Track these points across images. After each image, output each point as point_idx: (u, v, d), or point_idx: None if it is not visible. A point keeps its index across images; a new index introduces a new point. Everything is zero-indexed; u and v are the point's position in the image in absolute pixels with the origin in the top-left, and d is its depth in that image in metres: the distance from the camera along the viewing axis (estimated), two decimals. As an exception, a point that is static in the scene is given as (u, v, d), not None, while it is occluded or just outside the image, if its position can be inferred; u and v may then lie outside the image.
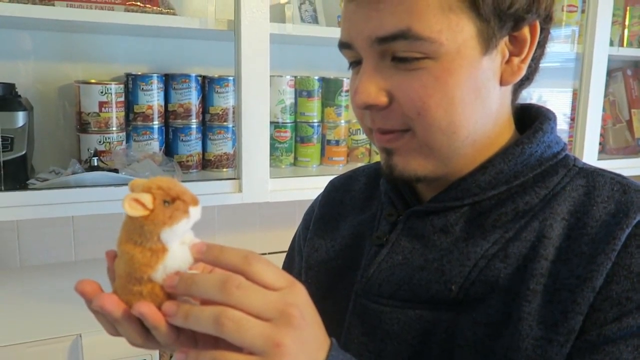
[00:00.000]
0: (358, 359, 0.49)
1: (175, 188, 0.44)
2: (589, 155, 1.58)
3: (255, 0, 1.13)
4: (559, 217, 0.54)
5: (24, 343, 0.89)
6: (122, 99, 1.23)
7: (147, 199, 0.42)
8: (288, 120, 1.39)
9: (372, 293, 0.60)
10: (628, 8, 1.75)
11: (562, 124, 1.67)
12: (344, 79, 1.41)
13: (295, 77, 1.40)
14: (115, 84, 1.21)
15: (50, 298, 1.08)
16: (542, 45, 0.58)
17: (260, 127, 1.19)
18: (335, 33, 1.27)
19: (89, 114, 1.19)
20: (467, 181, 0.58)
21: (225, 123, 1.31)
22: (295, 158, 1.44)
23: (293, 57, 1.47)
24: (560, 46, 1.57)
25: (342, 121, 1.44)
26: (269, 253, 1.57)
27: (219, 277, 0.42)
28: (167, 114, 1.29)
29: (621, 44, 1.74)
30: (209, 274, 0.44)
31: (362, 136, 1.49)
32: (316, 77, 1.40)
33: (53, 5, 1.06)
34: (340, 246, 0.69)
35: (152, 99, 1.25)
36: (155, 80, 1.25)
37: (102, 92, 1.19)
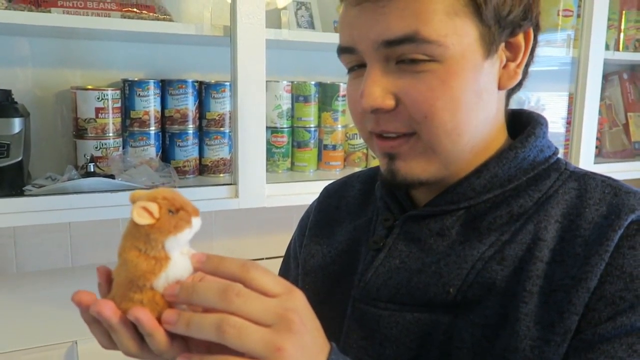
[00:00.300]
0: None
1: (179, 199, 0.46)
2: (586, 159, 1.59)
3: (251, 6, 1.13)
4: (553, 219, 0.55)
5: (20, 350, 0.89)
6: (119, 104, 1.23)
7: (154, 207, 0.44)
8: (285, 125, 1.39)
9: (370, 297, 0.60)
10: (624, 12, 1.75)
11: (558, 128, 1.67)
12: (341, 84, 1.42)
13: (292, 82, 1.40)
14: (112, 90, 1.21)
15: (47, 304, 1.07)
16: (532, 51, 0.60)
17: (257, 132, 1.19)
18: (332, 38, 1.27)
19: (85, 119, 1.20)
20: (463, 185, 0.59)
21: (222, 128, 1.31)
22: (292, 163, 1.44)
23: (290, 62, 1.47)
24: (556, 50, 1.58)
25: (339, 126, 1.45)
26: (266, 258, 1.57)
27: (219, 286, 0.43)
28: (164, 120, 1.30)
29: (617, 48, 1.74)
30: (209, 282, 0.44)
31: (359, 141, 1.49)
32: (313, 82, 1.40)
33: (50, 12, 1.07)
34: (336, 251, 0.70)
35: (149, 104, 1.25)
36: (151, 86, 1.25)
37: (98, 98, 1.19)
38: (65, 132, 1.28)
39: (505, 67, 0.58)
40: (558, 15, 1.60)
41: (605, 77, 1.82)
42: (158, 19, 1.16)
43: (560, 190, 0.57)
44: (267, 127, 1.31)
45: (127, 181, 1.13)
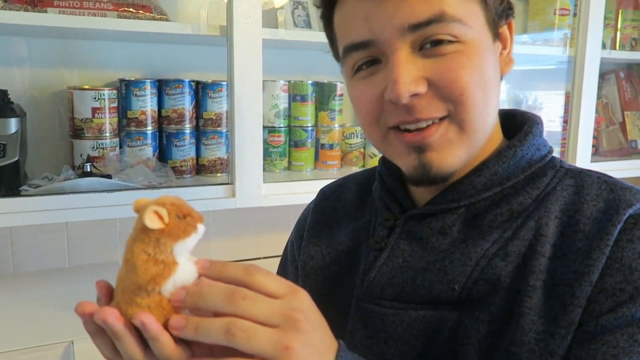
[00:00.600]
0: None
1: (185, 205, 0.47)
2: (583, 157, 1.59)
3: (247, 6, 1.13)
4: (553, 215, 0.56)
5: (16, 350, 0.89)
6: (116, 104, 1.23)
7: (165, 212, 0.45)
8: (282, 125, 1.39)
9: (374, 296, 0.61)
10: (620, 11, 1.76)
11: (555, 127, 1.67)
12: (338, 83, 1.42)
13: (289, 81, 1.40)
14: (109, 90, 1.21)
15: (44, 304, 1.07)
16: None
17: (254, 131, 1.19)
18: (328, 38, 1.27)
19: (82, 119, 1.19)
20: (463, 183, 0.60)
21: (218, 128, 1.31)
22: (290, 162, 1.44)
23: (287, 61, 1.47)
24: (553, 49, 1.58)
25: (336, 125, 1.45)
26: (264, 258, 1.57)
27: (225, 290, 0.44)
28: (161, 120, 1.29)
29: (613, 47, 1.75)
30: (215, 287, 0.45)
31: (356, 140, 1.49)
32: (310, 82, 1.40)
33: (46, 12, 1.06)
34: (336, 252, 0.70)
35: (146, 104, 1.25)
36: (148, 86, 1.25)
37: (95, 98, 1.19)
38: (62, 132, 1.28)
39: (500, 54, 0.61)
40: (555, 14, 1.61)
41: (602, 76, 1.83)
42: (154, 19, 1.15)
43: (557, 187, 0.59)
44: (264, 127, 1.30)
45: (124, 181, 1.13)
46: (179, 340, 0.45)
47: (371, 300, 0.61)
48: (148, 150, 1.27)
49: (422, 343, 0.57)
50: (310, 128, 1.42)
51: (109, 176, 1.14)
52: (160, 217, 0.44)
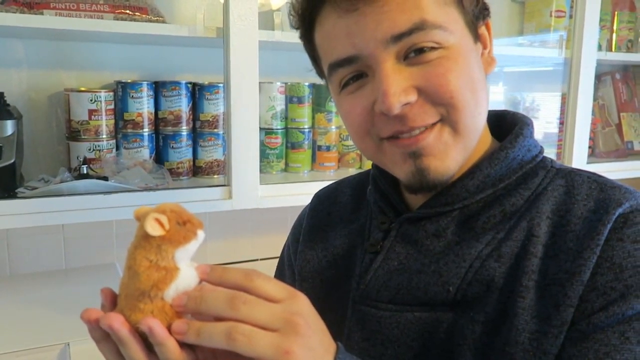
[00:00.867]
0: None
1: (185, 212, 0.48)
2: (579, 158, 1.59)
3: (243, 8, 1.14)
4: (544, 215, 0.57)
5: (12, 352, 0.89)
6: (112, 106, 1.23)
7: (165, 219, 0.46)
8: (279, 127, 1.39)
9: (370, 299, 0.62)
10: (616, 13, 1.76)
11: (551, 128, 1.68)
12: (334, 85, 1.42)
13: (286, 83, 1.40)
14: (105, 92, 1.21)
15: (40, 306, 1.07)
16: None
17: (250, 133, 1.19)
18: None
19: (78, 122, 1.19)
20: (457, 186, 0.61)
21: (215, 130, 1.32)
22: (286, 164, 1.44)
23: (283, 63, 1.47)
24: (549, 51, 1.59)
25: (333, 127, 1.45)
26: (261, 259, 1.57)
27: (226, 295, 0.45)
28: (157, 121, 1.30)
29: (609, 49, 1.75)
30: (217, 292, 0.46)
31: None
32: (306, 84, 1.40)
33: (42, 14, 1.07)
34: (332, 256, 0.71)
35: (142, 106, 1.25)
36: (145, 88, 1.25)
37: (91, 100, 1.19)
38: (59, 134, 1.28)
39: (481, 55, 0.61)
40: (551, 15, 1.61)
41: (598, 78, 1.83)
42: (151, 21, 1.16)
43: (549, 187, 0.59)
44: (260, 129, 1.31)
45: (121, 183, 1.13)
46: (183, 345, 0.45)
47: (368, 303, 0.62)
48: (145, 152, 1.27)
49: (418, 344, 0.58)
50: (307, 130, 1.42)
51: (105, 178, 1.14)
52: (161, 224, 0.45)
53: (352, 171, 1.44)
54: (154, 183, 1.18)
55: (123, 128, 1.25)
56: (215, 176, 1.33)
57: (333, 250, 0.71)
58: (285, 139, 1.42)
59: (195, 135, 1.32)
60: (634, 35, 1.80)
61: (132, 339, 0.45)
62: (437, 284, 0.57)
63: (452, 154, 0.57)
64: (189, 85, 1.30)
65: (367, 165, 1.50)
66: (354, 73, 0.58)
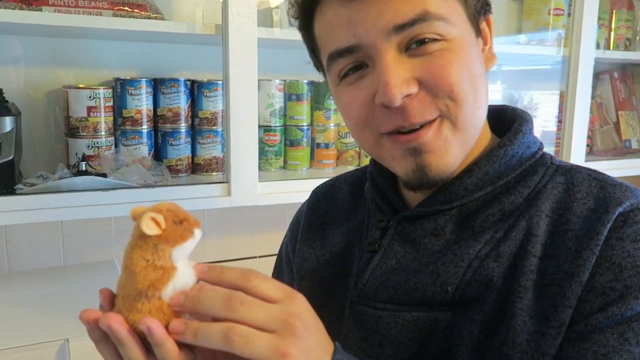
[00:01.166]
0: None
1: (181, 211, 0.48)
2: (577, 157, 1.60)
3: (242, 5, 1.14)
4: (543, 214, 0.56)
5: (11, 348, 0.89)
6: (111, 103, 1.23)
7: (161, 218, 0.46)
8: (277, 124, 1.39)
9: (368, 298, 0.61)
10: (614, 11, 1.77)
11: (550, 127, 1.68)
12: (333, 83, 1.42)
13: (285, 80, 1.40)
14: (104, 89, 1.21)
15: (39, 303, 1.07)
16: None
17: (249, 130, 1.19)
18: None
19: (77, 118, 1.19)
20: (455, 184, 0.60)
21: (214, 127, 1.32)
22: (285, 161, 1.45)
23: (282, 60, 1.47)
24: (547, 49, 1.59)
25: (332, 124, 1.45)
26: (259, 257, 1.57)
27: (223, 295, 0.45)
28: (156, 119, 1.30)
29: (607, 47, 1.76)
30: (214, 291, 0.45)
31: (352, 139, 1.49)
32: (305, 81, 1.40)
33: (41, 10, 1.06)
34: (330, 254, 0.70)
35: (141, 103, 1.25)
36: (143, 85, 1.25)
37: (90, 97, 1.19)
38: (57, 131, 1.28)
39: (482, 50, 0.61)
40: (549, 14, 1.62)
41: (596, 76, 1.84)
42: (150, 18, 1.16)
43: (548, 185, 0.59)
44: (259, 126, 1.31)
45: (120, 180, 1.14)
46: (182, 345, 0.45)
47: (365, 303, 0.61)
48: (143, 149, 1.27)
49: (416, 344, 0.57)
50: (305, 127, 1.43)
51: (104, 175, 1.14)
52: (157, 224, 0.45)
53: (351, 169, 1.45)
54: (152, 180, 1.18)
55: (122, 125, 1.25)
56: (214, 173, 1.33)
57: (331, 248, 0.70)
58: (283, 137, 1.42)
59: (194, 133, 1.33)
60: (632, 33, 1.80)
61: (131, 339, 0.45)
62: (435, 284, 0.57)
63: (452, 150, 0.57)
64: (188, 82, 1.30)
65: (366, 162, 1.50)
66: (354, 64, 0.57)
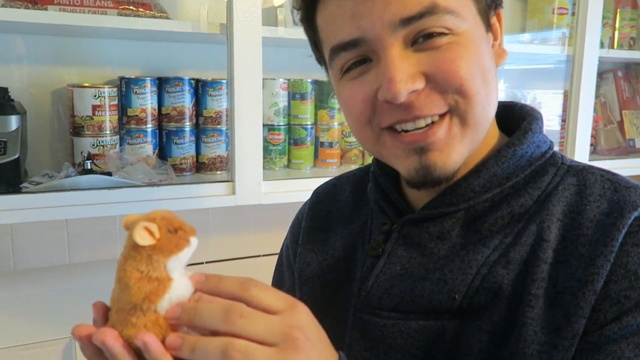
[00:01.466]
0: None
1: (176, 219, 0.45)
2: (581, 156, 1.60)
3: (247, 4, 1.14)
4: (555, 218, 0.54)
5: (18, 346, 0.89)
6: (116, 102, 1.24)
7: (155, 228, 0.43)
8: (281, 123, 1.40)
9: (372, 307, 0.59)
10: (618, 10, 1.76)
11: (554, 126, 1.68)
12: (337, 82, 1.42)
13: (289, 79, 1.40)
14: (109, 88, 1.21)
15: (44, 301, 1.08)
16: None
17: (254, 129, 1.20)
18: (328, 36, 1.27)
19: (82, 117, 1.20)
20: (462, 186, 0.57)
21: (218, 126, 1.32)
22: (289, 160, 1.45)
23: (286, 59, 1.47)
24: (551, 48, 1.59)
25: (336, 123, 1.45)
26: (263, 255, 1.57)
27: (221, 307, 0.43)
28: (161, 117, 1.30)
29: (611, 46, 1.76)
30: (212, 303, 0.44)
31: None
32: (309, 80, 1.40)
33: (46, 9, 1.07)
34: (332, 259, 0.68)
35: (146, 102, 1.25)
36: (148, 84, 1.25)
37: (95, 96, 1.20)
38: (62, 129, 1.28)
39: (492, 46, 0.59)
40: (553, 13, 1.61)
41: (600, 75, 1.83)
42: (154, 17, 1.16)
43: (559, 186, 0.56)
44: (263, 125, 1.30)
45: (124, 178, 1.14)
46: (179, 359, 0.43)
47: (369, 311, 0.59)
48: (148, 148, 1.27)
49: (422, 353, 0.55)
50: (309, 126, 1.43)
51: (109, 173, 1.14)
52: (151, 233, 0.43)
53: (355, 168, 1.45)
54: (157, 179, 1.19)
55: (126, 124, 1.26)
56: (218, 172, 1.34)
57: (333, 252, 0.68)
58: (287, 136, 1.42)
59: (199, 131, 1.33)
60: (636, 32, 1.80)
61: (127, 355, 0.43)
62: (442, 292, 0.55)
63: (459, 147, 0.54)
64: (192, 81, 1.30)
65: (369, 162, 1.50)
66: (357, 58, 0.54)
